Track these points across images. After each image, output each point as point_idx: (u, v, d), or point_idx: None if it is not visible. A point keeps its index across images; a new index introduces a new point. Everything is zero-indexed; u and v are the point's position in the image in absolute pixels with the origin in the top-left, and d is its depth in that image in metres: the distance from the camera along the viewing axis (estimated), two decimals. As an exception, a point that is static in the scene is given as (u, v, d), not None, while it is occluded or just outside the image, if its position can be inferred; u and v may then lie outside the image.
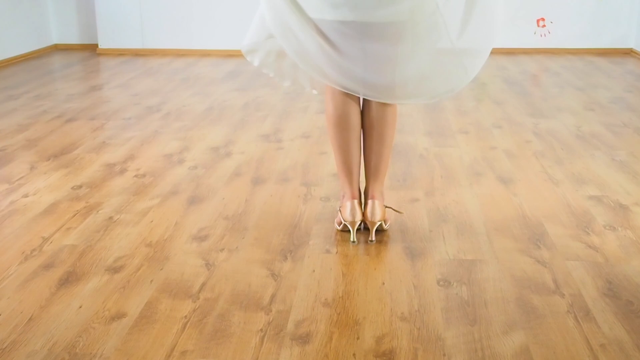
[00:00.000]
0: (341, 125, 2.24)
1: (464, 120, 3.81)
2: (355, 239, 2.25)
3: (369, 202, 2.27)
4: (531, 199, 2.64)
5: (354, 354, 1.66)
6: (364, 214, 2.27)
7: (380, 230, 2.33)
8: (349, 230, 2.27)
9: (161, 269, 2.10)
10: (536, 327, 1.77)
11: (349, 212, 2.24)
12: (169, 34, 6.25)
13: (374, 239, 2.26)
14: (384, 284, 2.00)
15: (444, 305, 1.88)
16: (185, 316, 1.83)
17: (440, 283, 2.00)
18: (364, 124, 2.28)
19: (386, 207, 2.32)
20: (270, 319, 1.81)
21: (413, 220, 2.45)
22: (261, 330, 1.76)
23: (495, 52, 6.07)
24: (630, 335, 1.73)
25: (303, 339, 1.72)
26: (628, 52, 6.04)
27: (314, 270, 2.08)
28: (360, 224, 2.28)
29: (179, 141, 3.45)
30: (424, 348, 1.69)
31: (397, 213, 2.43)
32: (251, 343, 1.71)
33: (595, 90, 4.58)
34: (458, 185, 2.79)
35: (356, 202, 2.25)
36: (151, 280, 2.02)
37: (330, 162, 3.05)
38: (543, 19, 6.08)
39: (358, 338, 1.73)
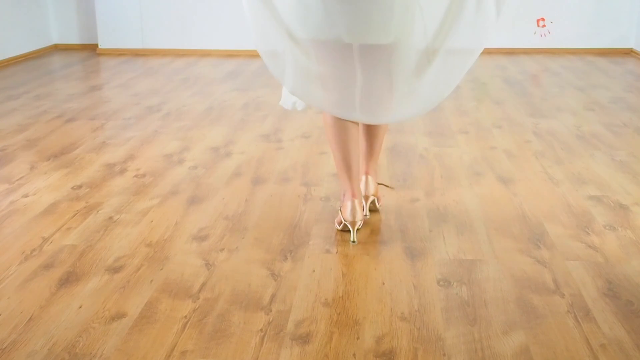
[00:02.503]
0: (339, 123, 2.26)
1: (464, 120, 3.81)
2: (355, 239, 2.26)
3: (363, 177, 2.42)
4: (531, 199, 2.64)
5: (354, 354, 1.66)
6: (361, 217, 2.29)
7: (373, 210, 2.46)
8: (349, 230, 2.27)
9: (161, 269, 2.10)
10: (536, 327, 1.77)
11: (350, 211, 2.26)
12: (169, 34, 6.25)
13: (368, 214, 2.39)
14: (384, 284, 2.00)
15: (444, 305, 1.88)
16: (185, 316, 1.83)
17: (440, 283, 2.00)
18: None
19: (379, 184, 2.50)
20: (270, 319, 1.81)
21: (413, 220, 2.45)
22: (261, 330, 1.76)
23: (495, 52, 6.08)
24: (630, 335, 1.73)
25: (303, 339, 1.72)
26: (628, 52, 6.04)
27: (314, 270, 2.08)
28: (360, 224, 2.28)
29: (179, 141, 3.45)
30: (424, 348, 1.69)
31: (398, 211, 2.45)
32: (251, 343, 1.71)
33: (595, 90, 4.58)
34: (458, 185, 2.79)
35: (357, 201, 2.26)
36: (151, 280, 2.02)
37: (330, 162, 3.05)
38: (543, 19, 6.08)
39: (358, 338, 1.73)
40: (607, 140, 3.41)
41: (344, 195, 2.31)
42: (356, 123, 2.30)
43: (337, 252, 2.21)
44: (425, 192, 2.71)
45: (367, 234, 2.33)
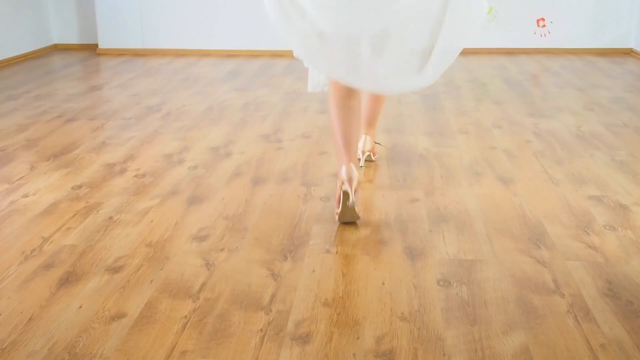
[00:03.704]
0: (343, 103, 2.39)
1: (464, 120, 3.81)
2: (353, 200, 2.29)
3: (362, 136, 2.84)
4: (531, 199, 2.64)
5: (354, 354, 1.66)
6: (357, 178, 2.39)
7: (369, 160, 2.98)
8: (347, 222, 2.33)
9: (161, 269, 2.10)
10: (536, 327, 1.77)
11: (345, 171, 2.30)
12: (169, 34, 6.25)
13: (363, 164, 2.85)
14: (384, 284, 2.00)
15: (444, 305, 1.88)
16: (185, 316, 1.83)
17: (440, 283, 2.00)
18: None
19: (375, 142, 2.99)
20: (270, 319, 1.81)
21: (413, 220, 2.45)
22: (261, 330, 1.76)
23: (495, 52, 6.08)
24: (630, 335, 1.73)
25: (303, 339, 1.72)
26: (628, 52, 6.04)
27: (314, 270, 2.08)
28: (356, 184, 2.30)
29: (179, 141, 3.45)
30: (424, 348, 1.69)
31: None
32: (251, 343, 1.71)
33: (595, 90, 4.58)
34: (458, 185, 2.79)
35: (352, 164, 2.32)
36: (151, 280, 2.02)
37: (330, 162, 3.05)
38: (543, 19, 6.08)
39: (358, 338, 1.73)
40: (607, 140, 3.41)
41: (339, 163, 2.37)
42: (360, 106, 2.46)
43: (337, 252, 2.21)
44: (425, 192, 2.71)
45: (367, 234, 2.33)
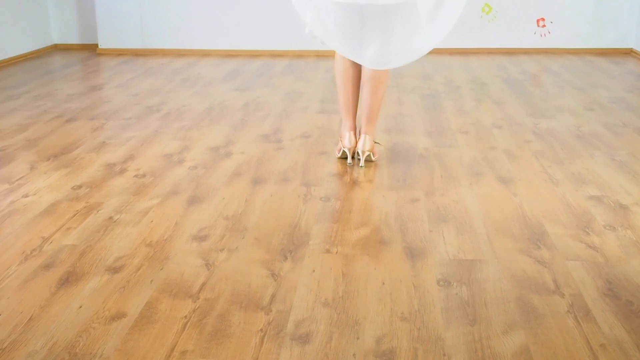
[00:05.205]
0: (345, 73, 3.01)
1: (464, 120, 3.81)
2: (351, 161, 3.00)
3: (362, 136, 3.01)
4: (531, 199, 2.64)
5: (354, 354, 1.66)
6: (357, 145, 3.02)
7: (369, 161, 3.06)
8: (346, 157, 3.02)
9: (161, 269, 2.10)
10: (536, 327, 1.77)
11: (347, 140, 3.01)
12: (169, 34, 6.25)
13: (363, 164, 2.99)
14: (384, 284, 2.00)
15: (444, 305, 1.88)
16: (185, 316, 1.83)
17: (440, 283, 2.00)
18: (363, 79, 3.00)
19: (375, 142, 3.09)
20: (270, 319, 1.81)
21: (413, 220, 2.45)
22: (261, 330, 1.76)
23: (495, 52, 6.08)
24: (630, 335, 1.73)
25: (303, 339, 1.72)
26: (628, 52, 6.04)
27: (314, 270, 2.08)
28: (353, 150, 2.99)
29: (179, 141, 3.46)
30: (424, 348, 1.69)
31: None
32: (251, 343, 1.71)
33: (595, 90, 4.58)
34: (458, 185, 2.79)
35: (352, 133, 3.03)
36: (151, 280, 2.02)
37: (330, 162, 3.06)
38: (543, 19, 6.08)
39: (358, 338, 1.73)
40: (607, 140, 3.41)
41: (342, 124, 3.06)
42: (358, 75, 3.01)
43: (337, 252, 2.21)
44: (425, 192, 2.71)
45: (367, 233, 2.33)
